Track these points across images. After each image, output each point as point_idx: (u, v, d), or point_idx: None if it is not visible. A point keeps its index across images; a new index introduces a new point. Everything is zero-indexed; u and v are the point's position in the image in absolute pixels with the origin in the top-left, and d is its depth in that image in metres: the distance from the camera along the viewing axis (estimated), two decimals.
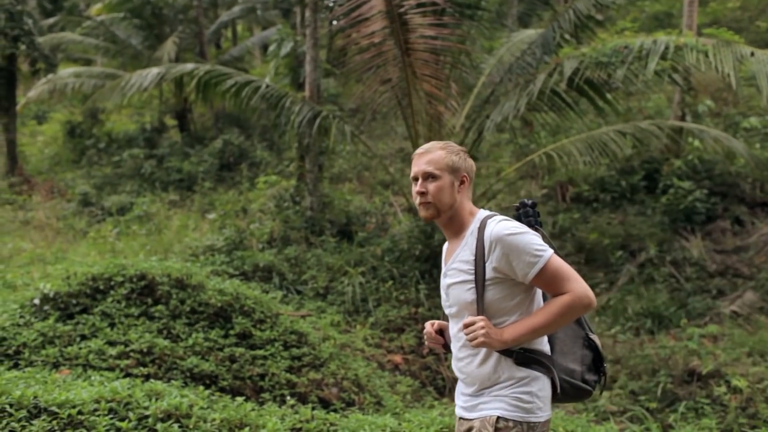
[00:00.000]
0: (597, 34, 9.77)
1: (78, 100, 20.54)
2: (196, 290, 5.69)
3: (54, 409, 3.45)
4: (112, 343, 4.95)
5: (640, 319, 8.80)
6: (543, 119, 9.57)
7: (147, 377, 4.60)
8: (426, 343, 2.61)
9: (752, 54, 7.30)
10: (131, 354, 4.86)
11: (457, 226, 2.40)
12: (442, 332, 2.56)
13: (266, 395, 5.01)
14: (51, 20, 21.06)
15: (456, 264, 2.37)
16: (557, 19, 9.10)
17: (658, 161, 11.90)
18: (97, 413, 3.48)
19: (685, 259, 9.99)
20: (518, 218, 2.47)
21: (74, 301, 5.34)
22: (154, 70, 9.77)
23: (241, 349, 5.29)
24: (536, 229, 2.40)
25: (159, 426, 3.47)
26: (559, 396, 2.37)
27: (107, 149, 17.71)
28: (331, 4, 14.14)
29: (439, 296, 2.56)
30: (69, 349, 4.76)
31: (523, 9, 14.30)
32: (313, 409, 4.48)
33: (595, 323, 8.66)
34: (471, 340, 2.26)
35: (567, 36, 9.20)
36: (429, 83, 8.66)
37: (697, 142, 11.29)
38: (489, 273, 2.28)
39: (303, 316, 7.08)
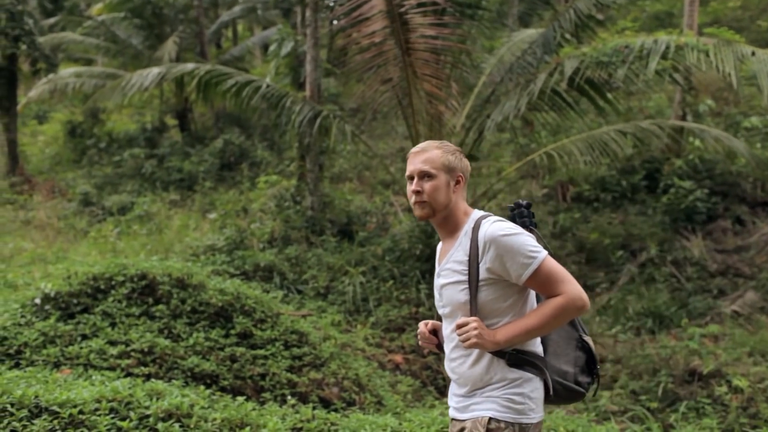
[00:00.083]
0: (598, 33, 9.77)
1: (79, 100, 20.53)
2: (197, 290, 5.69)
3: (55, 408, 3.45)
4: (113, 343, 4.95)
5: (640, 318, 8.80)
6: (544, 119, 9.56)
7: (148, 377, 4.61)
8: (419, 343, 2.59)
9: (753, 53, 7.29)
10: (132, 353, 4.87)
11: (451, 226, 2.39)
12: (435, 332, 2.54)
13: (267, 395, 5.02)
14: (52, 20, 21.05)
15: (450, 264, 2.36)
16: (558, 19, 9.10)
17: (658, 161, 11.89)
18: (98, 413, 3.48)
19: (685, 259, 9.99)
20: (513, 219, 2.45)
21: (75, 301, 5.35)
22: (155, 70, 9.77)
23: (241, 349, 5.29)
24: (531, 230, 2.39)
25: (160, 425, 3.47)
26: (552, 398, 2.37)
27: (108, 149, 17.72)
28: (331, 4, 14.12)
29: None
30: (70, 348, 4.77)
31: (524, 8, 14.27)
32: (314, 408, 4.48)
33: (595, 323, 8.66)
34: (464, 341, 2.24)
35: (568, 35, 9.19)
36: (429, 83, 8.65)
37: (698, 142, 11.28)
38: (483, 274, 2.27)
39: (304, 316, 7.09)
